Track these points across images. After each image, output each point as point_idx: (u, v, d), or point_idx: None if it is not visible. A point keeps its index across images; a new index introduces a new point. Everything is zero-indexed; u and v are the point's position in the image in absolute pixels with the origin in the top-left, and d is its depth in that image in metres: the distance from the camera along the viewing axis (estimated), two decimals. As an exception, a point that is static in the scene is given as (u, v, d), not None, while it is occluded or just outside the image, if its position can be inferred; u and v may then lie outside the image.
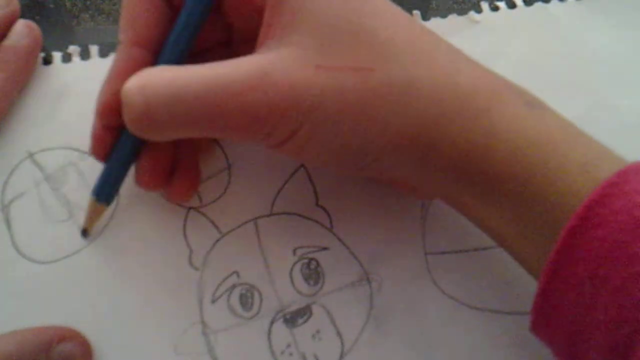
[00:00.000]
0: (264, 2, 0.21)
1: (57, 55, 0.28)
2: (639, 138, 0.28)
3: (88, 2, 0.29)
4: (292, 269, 0.25)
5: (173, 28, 0.22)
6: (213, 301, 0.25)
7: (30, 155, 0.26)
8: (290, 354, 0.24)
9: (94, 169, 0.24)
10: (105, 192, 0.24)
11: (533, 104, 0.22)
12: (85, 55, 0.28)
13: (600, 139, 0.28)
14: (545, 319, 0.21)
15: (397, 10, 0.22)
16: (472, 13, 0.31)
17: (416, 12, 0.31)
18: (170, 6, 0.23)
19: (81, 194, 0.25)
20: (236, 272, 0.25)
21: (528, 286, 0.26)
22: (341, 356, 0.24)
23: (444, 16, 0.31)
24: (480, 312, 0.25)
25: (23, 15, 0.27)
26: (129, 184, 0.24)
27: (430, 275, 0.26)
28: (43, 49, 0.28)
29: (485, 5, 0.31)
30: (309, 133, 0.20)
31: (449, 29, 0.30)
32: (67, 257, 0.25)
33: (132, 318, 0.24)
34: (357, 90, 0.20)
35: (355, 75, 0.20)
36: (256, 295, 0.25)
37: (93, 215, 0.24)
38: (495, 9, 0.31)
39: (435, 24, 0.30)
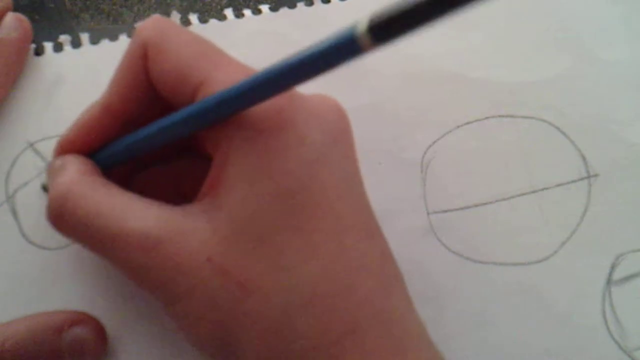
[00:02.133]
0: (213, 151, 0.20)
1: (48, 46, 0.28)
2: (626, 91, 0.29)
3: (88, 2, 0.30)
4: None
5: (148, 124, 0.21)
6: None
7: (31, 145, 0.26)
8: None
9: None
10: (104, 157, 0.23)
11: None
12: (76, 43, 0.28)
13: (588, 92, 0.28)
14: None
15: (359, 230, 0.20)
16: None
17: None
18: (156, 100, 0.22)
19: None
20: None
21: (529, 237, 0.27)
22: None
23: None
24: (485, 266, 0.26)
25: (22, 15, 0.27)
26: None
27: (435, 233, 0.26)
28: (34, 41, 0.28)
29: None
30: (178, 313, 0.20)
31: None
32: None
33: (145, 299, 0.24)
34: (226, 301, 0.19)
35: (233, 287, 0.19)
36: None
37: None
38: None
39: None
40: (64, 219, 0.21)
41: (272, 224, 0.19)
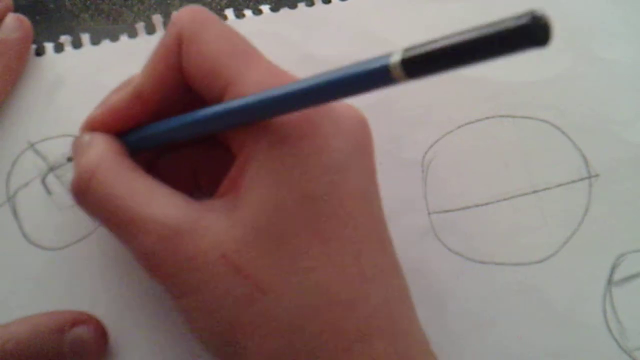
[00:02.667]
0: (237, 150, 0.21)
1: (49, 46, 0.28)
2: (626, 91, 0.29)
3: (88, 2, 0.30)
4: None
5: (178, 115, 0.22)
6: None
7: (32, 146, 0.26)
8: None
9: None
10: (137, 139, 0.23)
11: None
12: (77, 44, 0.28)
13: (588, 92, 0.28)
14: None
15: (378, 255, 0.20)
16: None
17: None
18: (188, 90, 0.22)
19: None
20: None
21: (530, 237, 0.27)
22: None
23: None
24: (485, 266, 0.26)
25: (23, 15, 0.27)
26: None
27: (435, 233, 0.26)
28: (35, 41, 0.28)
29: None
30: (186, 306, 0.20)
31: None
32: (77, 242, 0.25)
33: (147, 299, 0.25)
34: (238, 299, 0.19)
35: (246, 286, 0.19)
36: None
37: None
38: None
39: None
40: (88, 194, 0.21)
41: (291, 228, 0.19)
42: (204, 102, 0.21)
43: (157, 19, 0.29)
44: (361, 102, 0.28)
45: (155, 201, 0.20)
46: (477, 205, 0.27)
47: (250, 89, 0.19)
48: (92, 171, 0.21)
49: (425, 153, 0.27)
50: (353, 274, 0.19)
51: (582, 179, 0.27)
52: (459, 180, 0.27)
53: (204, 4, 0.30)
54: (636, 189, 0.27)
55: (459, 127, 0.28)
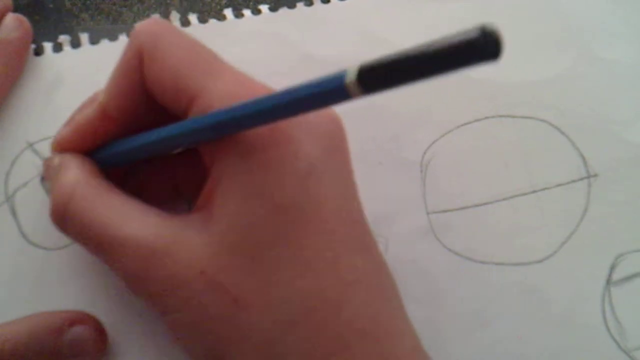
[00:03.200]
0: (210, 164, 0.20)
1: (48, 46, 0.28)
2: (626, 91, 0.29)
3: (88, 2, 0.30)
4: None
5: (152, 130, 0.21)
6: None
7: (30, 145, 0.26)
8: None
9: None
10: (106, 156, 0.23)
11: None
12: (75, 43, 0.28)
13: (588, 92, 0.28)
14: None
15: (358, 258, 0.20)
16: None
17: None
18: (154, 104, 0.22)
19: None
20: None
21: (529, 237, 0.27)
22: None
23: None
24: (485, 265, 0.26)
25: (22, 15, 0.27)
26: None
27: (434, 233, 0.26)
28: (34, 41, 0.28)
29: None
30: (172, 323, 0.20)
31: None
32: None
33: (145, 298, 0.25)
34: (219, 315, 0.19)
35: (226, 302, 0.19)
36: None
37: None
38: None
39: None
40: (66, 219, 0.21)
41: (265, 240, 0.19)
42: (173, 115, 0.21)
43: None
44: (361, 102, 0.28)
45: (132, 222, 0.20)
46: (476, 205, 0.27)
47: (215, 101, 0.19)
48: (68, 196, 0.21)
49: (425, 153, 0.27)
50: (332, 280, 0.19)
51: (581, 179, 0.27)
52: (459, 180, 0.27)
53: (204, 4, 0.30)
54: (635, 189, 0.27)
55: (458, 127, 0.28)
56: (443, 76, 0.13)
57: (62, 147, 0.23)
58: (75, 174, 0.21)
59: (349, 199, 0.21)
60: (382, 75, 0.14)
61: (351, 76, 0.15)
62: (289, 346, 0.19)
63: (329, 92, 0.16)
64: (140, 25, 0.21)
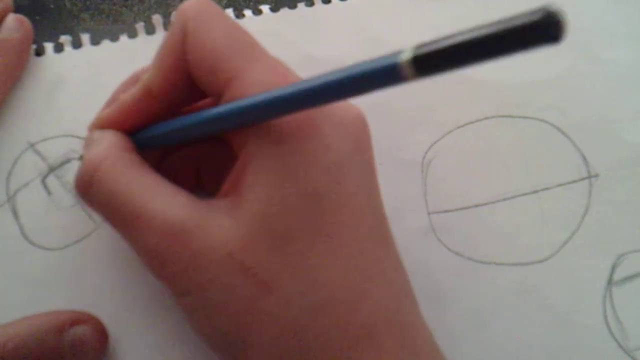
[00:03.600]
0: (238, 149, 0.20)
1: (48, 46, 0.28)
2: (626, 91, 0.29)
3: (88, 2, 0.30)
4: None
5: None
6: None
7: (32, 146, 0.26)
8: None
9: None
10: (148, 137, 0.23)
11: None
12: (76, 44, 0.28)
13: (588, 92, 0.28)
14: None
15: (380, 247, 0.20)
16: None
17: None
18: (195, 87, 0.22)
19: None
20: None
21: (530, 237, 0.27)
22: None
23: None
24: (485, 265, 0.26)
25: (23, 16, 0.27)
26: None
27: (435, 233, 0.26)
28: (35, 41, 0.28)
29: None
30: (190, 305, 0.20)
31: None
32: (78, 242, 0.25)
33: (147, 298, 0.25)
34: (244, 298, 0.19)
35: (253, 285, 0.19)
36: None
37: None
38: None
39: None
40: (92, 188, 0.21)
41: (296, 226, 0.19)
42: (211, 99, 0.21)
43: (157, 19, 0.29)
44: (361, 102, 0.28)
45: (161, 198, 0.20)
46: (477, 205, 0.27)
47: (250, 87, 0.19)
48: (96, 165, 0.21)
49: (425, 153, 0.27)
50: (356, 272, 0.19)
51: (582, 179, 0.27)
52: (459, 180, 0.27)
53: (204, 4, 0.30)
54: (636, 189, 0.27)
55: (458, 127, 0.28)
56: (500, 58, 0.13)
57: (104, 125, 0.23)
58: (109, 144, 0.21)
59: (374, 195, 0.21)
60: (439, 57, 0.13)
61: (406, 57, 0.14)
62: (316, 332, 0.19)
63: (381, 73, 0.15)
64: (185, 4, 0.21)
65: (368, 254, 0.20)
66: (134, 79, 0.24)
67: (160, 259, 0.20)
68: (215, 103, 0.21)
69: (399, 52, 0.14)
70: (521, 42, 0.12)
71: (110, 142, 0.21)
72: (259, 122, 0.19)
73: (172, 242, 0.19)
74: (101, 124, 0.23)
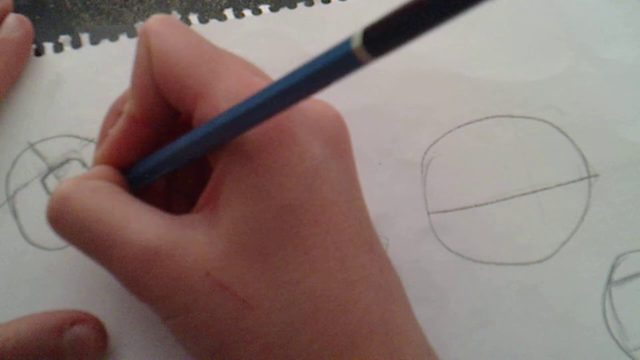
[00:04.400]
0: (213, 162, 0.20)
1: (48, 46, 0.28)
2: (626, 91, 0.29)
3: (88, 2, 0.30)
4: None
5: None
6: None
7: (31, 146, 0.26)
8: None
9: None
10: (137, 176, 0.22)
11: None
12: (76, 43, 0.28)
13: (588, 92, 0.28)
14: None
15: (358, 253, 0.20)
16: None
17: None
18: (173, 116, 0.22)
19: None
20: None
21: (529, 237, 0.27)
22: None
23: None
24: (485, 265, 0.26)
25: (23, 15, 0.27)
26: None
27: (435, 233, 0.26)
28: (34, 41, 0.28)
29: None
30: (176, 327, 0.20)
31: None
32: (77, 242, 0.25)
33: (145, 298, 0.25)
34: (226, 317, 0.19)
35: (233, 303, 0.19)
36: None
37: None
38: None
39: None
40: (63, 220, 0.20)
41: (273, 241, 0.19)
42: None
43: (156, 19, 0.29)
44: (360, 103, 0.28)
45: (133, 222, 0.19)
46: (476, 205, 0.27)
47: (218, 101, 0.19)
48: (64, 197, 0.20)
49: (425, 153, 0.27)
50: (339, 280, 0.19)
51: (581, 179, 0.27)
52: (459, 180, 0.27)
53: (204, 4, 0.30)
54: (636, 189, 0.27)
55: (458, 127, 0.28)
56: (448, 23, 0.12)
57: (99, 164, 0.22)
58: (78, 177, 0.21)
59: (354, 199, 0.21)
60: (388, 32, 0.13)
61: (357, 41, 0.14)
62: (299, 346, 0.19)
63: (337, 62, 0.15)
64: (147, 22, 0.21)
65: (351, 261, 0.20)
66: (113, 111, 0.23)
67: (140, 285, 0.19)
68: (188, 120, 0.20)
69: (349, 38, 0.14)
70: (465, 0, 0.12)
71: (80, 175, 0.21)
72: (232, 138, 0.19)
73: (150, 267, 0.19)
74: (98, 164, 0.22)
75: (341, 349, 0.19)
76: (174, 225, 0.20)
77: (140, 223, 0.19)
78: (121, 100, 0.23)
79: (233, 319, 0.19)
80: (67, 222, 0.20)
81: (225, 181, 0.19)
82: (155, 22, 0.21)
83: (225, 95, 0.19)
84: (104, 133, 0.23)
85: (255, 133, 0.19)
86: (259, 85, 0.20)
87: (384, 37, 0.14)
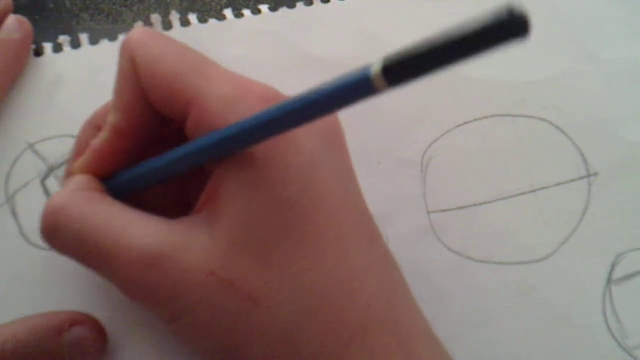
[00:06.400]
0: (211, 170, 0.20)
1: (48, 46, 0.28)
2: (626, 91, 0.29)
3: (88, 2, 0.30)
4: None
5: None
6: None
7: (31, 146, 0.26)
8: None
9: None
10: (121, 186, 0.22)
11: None
12: (75, 44, 0.28)
13: (588, 92, 0.28)
14: None
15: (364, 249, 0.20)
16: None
17: None
18: (162, 123, 0.22)
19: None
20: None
21: (529, 237, 0.27)
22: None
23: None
24: (485, 265, 0.26)
25: (23, 16, 0.27)
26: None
27: (435, 232, 0.26)
28: (34, 41, 0.28)
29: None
30: (181, 328, 0.20)
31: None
32: (77, 242, 0.25)
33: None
34: (233, 314, 0.19)
35: (239, 300, 0.19)
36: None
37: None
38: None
39: None
40: (58, 233, 0.20)
41: (274, 236, 0.19)
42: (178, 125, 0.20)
43: (156, 19, 0.29)
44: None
45: (131, 228, 0.19)
46: (476, 205, 0.27)
47: (212, 103, 0.19)
48: (58, 210, 0.20)
49: (425, 152, 0.27)
50: (343, 271, 0.19)
51: (581, 178, 0.27)
52: (459, 180, 0.27)
53: (204, 4, 0.30)
54: (636, 188, 0.27)
55: (458, 126, 0.28)
56: (469, 60, 0.13)
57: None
58: (69, 187, 0.21)
59: (352, 190, 0.21)
60: (408, 66, 0.14)
61: (376, 69, 0.14)
62: (307, 338, 0.19)
63: (354, 88, 0.15)
64: (128, 35, 0.21)
65: (353, 252, 0.20)
66: (91, 126, 0.23)
67: (143, 290, 0.19)
68: (181, 127, 0.20)
69: (368, 66, 0.14)
70: (489, 42, 0.12)
71: (72, 185, 0.21)
72: (238, 152, 0.19)
73: (152, 271, 0.19)
74: (77, 174, 0.22)
75: (348, 338, 0.19)
76: (175, 228, 0.20)
77: (141, 229, 0.20)
78: (98, 115, 0.23)
79: (240, 316, 0.19)
80: (65, 234, 0.20)
81: (224, 180, 0.19)
82: (138, 33, 0.21)
83: (218, 96, 0.19)
84: (79, 148, 0.23)
85: None
86: (251, 86, 0.20)
87: (403, 68, 0.14)
